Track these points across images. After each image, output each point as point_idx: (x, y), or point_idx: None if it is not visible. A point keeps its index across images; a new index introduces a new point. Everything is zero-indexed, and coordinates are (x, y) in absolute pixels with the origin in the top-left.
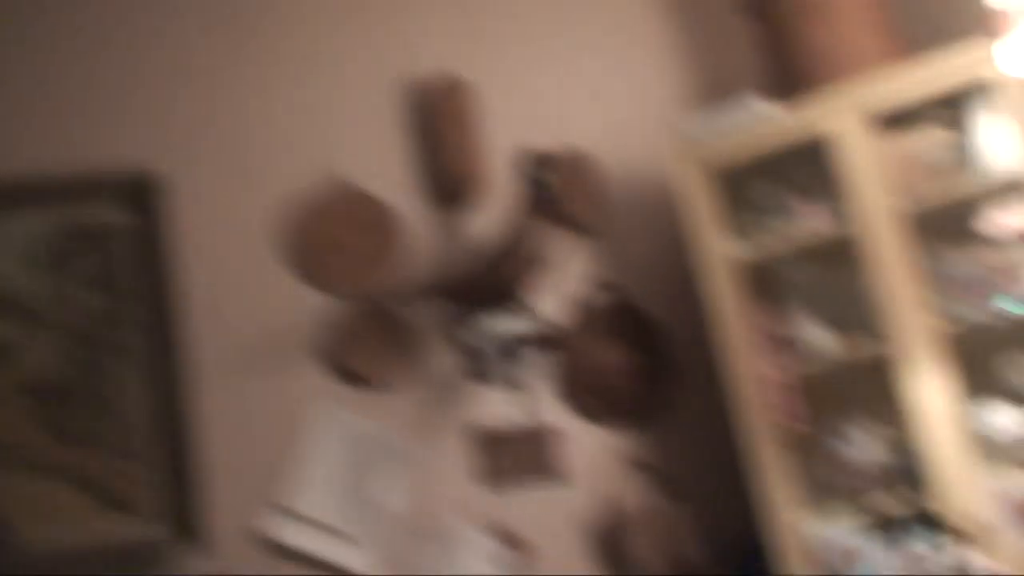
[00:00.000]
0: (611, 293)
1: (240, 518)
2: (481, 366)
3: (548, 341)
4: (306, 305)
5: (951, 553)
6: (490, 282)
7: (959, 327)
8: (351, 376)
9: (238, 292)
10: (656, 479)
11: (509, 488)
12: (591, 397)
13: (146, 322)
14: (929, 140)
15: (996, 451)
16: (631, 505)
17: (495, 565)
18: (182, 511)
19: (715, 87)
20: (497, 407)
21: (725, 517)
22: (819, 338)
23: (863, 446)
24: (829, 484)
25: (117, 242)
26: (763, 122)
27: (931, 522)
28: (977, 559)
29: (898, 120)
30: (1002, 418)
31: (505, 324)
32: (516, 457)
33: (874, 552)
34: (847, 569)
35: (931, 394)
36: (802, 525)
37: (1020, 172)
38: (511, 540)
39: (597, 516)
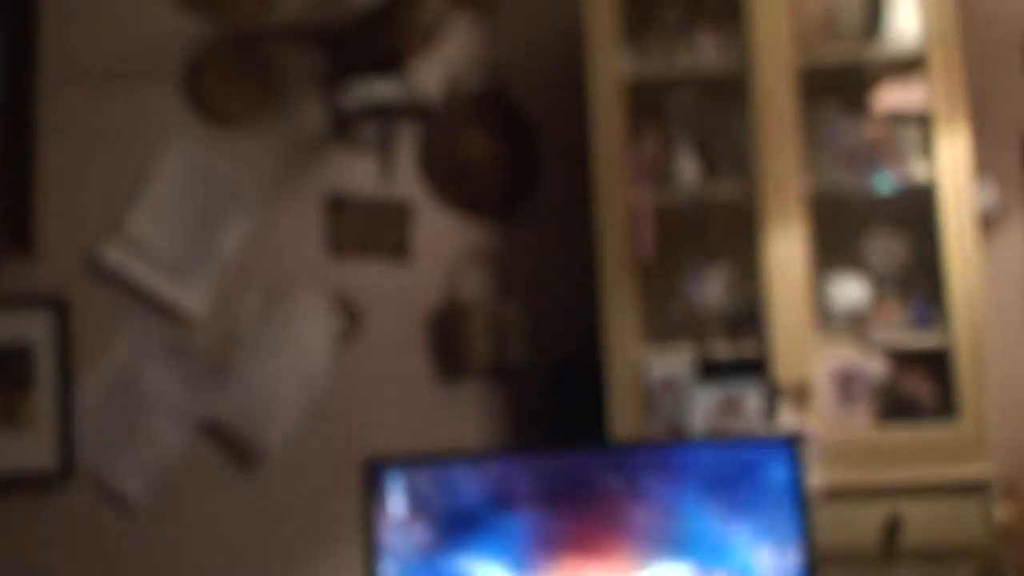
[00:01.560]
0: (490, 77)
1: (77, 239)
2: (346, 128)
3: (418, 113)
4: (175, 29)
5: (767, 403)
6: (371, 39)
7: (828, 192)
8: (210, 112)
9: (108, 5)
10: (500, 273)
11: (353, 258)
12: (450, 180)
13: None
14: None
15: (834, 321)
16: (470, 294)
17: (326, 330)
18: (17, 222)
19: None
20: (354, 174)
21: (562, 326)
22: (689, 173)
23: (711, 289)
24: (671, 319)
25: None
26: None
27: (758, 372)
28: (789, 415)
29: None
30: (847, 291)
31: (378, 88)
32: (366, 228)
33: (693, 387)
34: (663, 398)
35: (786, 251)
36: (635, 352)
37: (923, 49)
38: (346, 309)
39: (435, 299)
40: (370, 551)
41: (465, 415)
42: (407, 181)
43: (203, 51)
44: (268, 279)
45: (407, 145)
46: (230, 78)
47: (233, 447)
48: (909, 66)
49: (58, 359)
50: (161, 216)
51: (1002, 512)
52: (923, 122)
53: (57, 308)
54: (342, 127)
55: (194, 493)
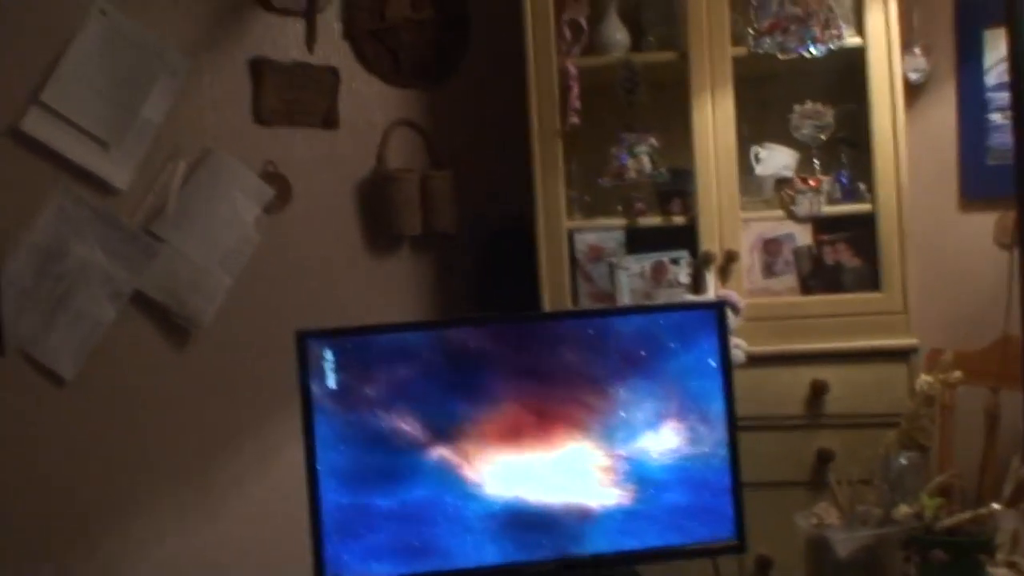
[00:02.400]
0: None
1: None
2: None
3: None
4: None
5: (693, 272)
6: None
7: (759, 60)
8: None
9: None
10: (429, 142)
11: (279, 126)
12: (377, 46)
13: None
14: None
15: (759, 189)
16: (399, 162)
17: (252, 199)
18: None
19: None
20: (280, 41)
21: (492, 195)
22: (619, 36)
23: (640, 158)
24: (600, 189)
25: None
26: None
27: (684, 240)
28: (713, 282)
29: None
30: (775, 161)
31: None
32: (292, 96)
33: (623, 256)
34: (592, 266)
35: (716, 120)
36: (564, 220)
37: None
38: (274, 179)
39: (364, 168)
40: (306, 421)
41: (396, 285)
42: (333, 48)
43: None
44: (194, 148)
45: (334, 11)
46: None
47: (164, 320)
48: None
49: None
50: (83, 84)
51: (924, 380)
52: None
53: None
54: None
55: (126, 367)
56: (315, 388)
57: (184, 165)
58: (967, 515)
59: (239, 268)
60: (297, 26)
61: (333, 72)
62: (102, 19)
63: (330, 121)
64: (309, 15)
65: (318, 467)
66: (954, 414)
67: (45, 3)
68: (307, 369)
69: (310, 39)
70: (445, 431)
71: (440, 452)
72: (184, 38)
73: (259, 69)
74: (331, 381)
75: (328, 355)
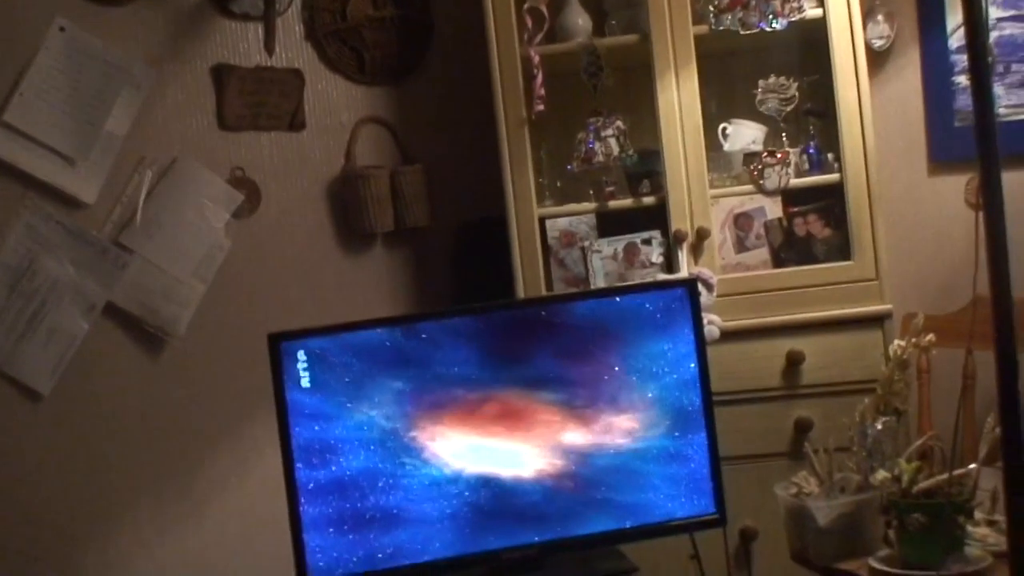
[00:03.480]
0: None
1: None
2: None
3: None
4: None
5: (665, 251)
6: None
7: (721, 37)
8: None
9: None
10: (397, 138)
11: (245, 130)
12: (341, 46)
13: None
14: None
15: (728, 165)
16: (368, 160)
17: (221, 205)
18: None
19: None
20: (243, 45)
21: (462, 187)
22: (581, 22)
23: (608, 141)
24: (570, 175)
25: None
26: None
27: (656, 221)
28: (685, 260)
29: None
30: (742, 137)
31: None
32: (256, 100)
33: (594, 239)
34: (565, 252)
35: (682, 99)
36: (536, 208)
37: None
38: (241, 182)
39: (332, 168)
40: (281, 423)
41: (370, 281)
42: (296, 50)
43: None
44: (160, 158)
45: (294, 13)
46: None
47: (138, 330)
48: None
49: None
50: (46, 102)
51: (898, 345)
52: None
53: None
54: None
55: (102, 380)
56: (290, 388)
57: (151, 175)
58: (944, 477)
59: (212, 274)
60: (258, 31)
61: (297, 74)
62: (62, 36)
63: (296, 123)
64: (268, 19)
65: (296, 466)
66: (930, 377)
67: (3, 23)
68: (280, 371)
69: (269, 43)
70: (424, 423)
71: (419, 444)
72: (145, 50)
73: (222, 75)
74: (305, 381)
75: (301, 356)
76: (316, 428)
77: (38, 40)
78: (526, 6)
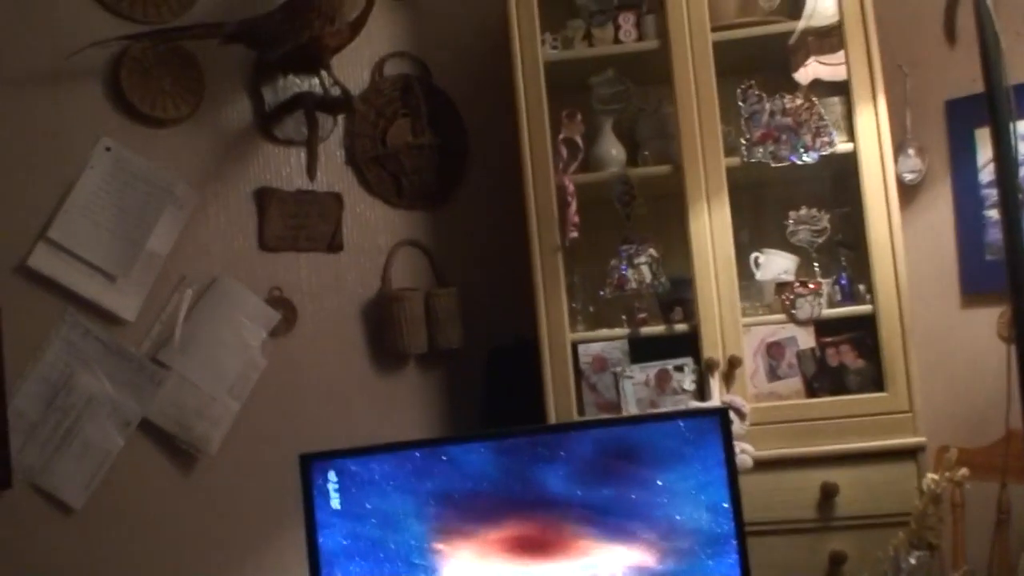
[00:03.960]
0: (414, 67)
1: (4, 246)
2: (273, 123)
3: (336, 107)
4: (95, 30)
5: (697, 378)
6: (289, 33)
7: (752, 168)
8: (135, 112)
9: (26, 7)
10: (432, 261)
11: (284, 252)
12: (380, 171)
13: None
14: None
15: (759, 294)
16: (403, 282)
17: (259, 324)
18: None
19: None
20: (283, 169)
21: (495, 311)
22: (614, 152)
23: (640, 268)
24: (602, 301)
25: None
26: None
27: (688, 349)
28: (718, 388)
29: None
30: (774, 266)
31: (301, 83)
32: (296, 222)
33: (627, 364)
34: (597, 377)
35: (713, 228)
36: (568, 332)
37: (840, 22)
38: (280, 302)
39: (368, 289)
40: (310, 541)
41: (402, 402)
42: (337, 174)
43: (124, 51)
44: (201, 276)
45: (336, 139)
46: (153, 77)
47: (171, 447)
48: (829, 38)
49: None
50: (89, 220)
51: (931, 479)
52: (844, 96)
53: None
54: (268, 123)
55: (134, 495)
56: (320, 508)
57: (191, 293)
58: None
59: (246, 393)
60: (300, 155)
61: (337, 198)
62: (107, 155)
63: (335, 245)
64: (311, 145)
65: None
66: (964, 511)
67: (51, 142)
68: (311, 491)
69: (311, 168)
70: (452, 545)
71: (448, 566)
72: (189, 171)
73: (264, 198)
74: (335, 502)
75: (332, 476)
76: (344, 545)
77: (84, 159)
78: (561, 136)
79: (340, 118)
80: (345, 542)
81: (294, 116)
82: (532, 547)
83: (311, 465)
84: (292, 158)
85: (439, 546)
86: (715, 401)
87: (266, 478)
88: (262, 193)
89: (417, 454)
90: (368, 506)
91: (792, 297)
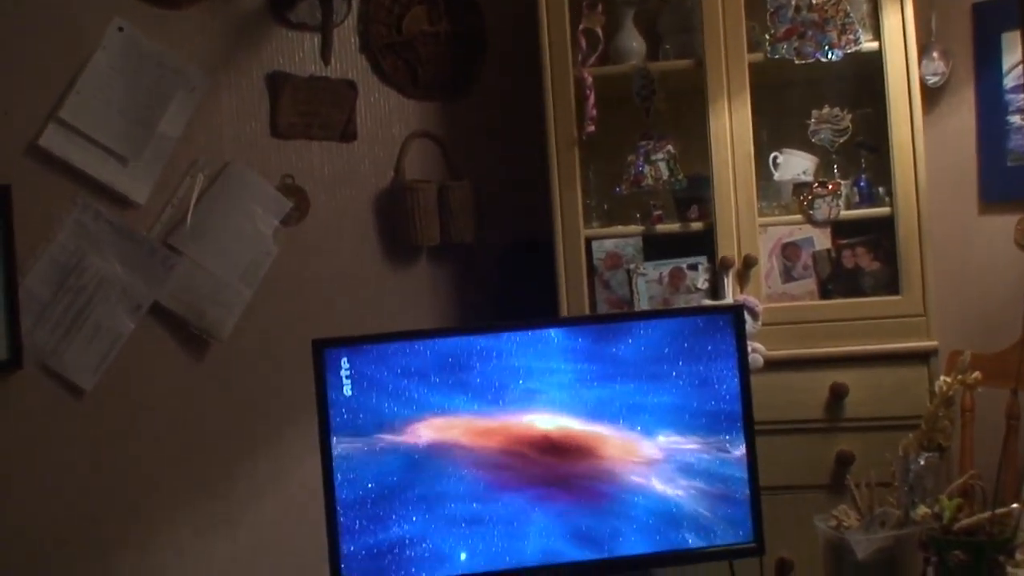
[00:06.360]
0: None
1: (15, 126)
2: (287, 6)
3: None
4: None
5: (711, 277)
6: None
7: (775, 65)
8: None
9: None
10: (447, 153)
11: (297, 138)
12: (395, 59)
13: None
14: None
15: (777, 195)
16: (417, 173)
17: (270, 211)
18: None
19: None
20: (296, 55)
21: (510, 204)
22: (635, 45)
23: (658, 165)
24: (618, 197)
25: None
26: None
27: (703, 247)
28: (731, 287)
29: None
30: (793, 166)
31: None
32: (309, 109)
33: (640, 262)
34: (610, 274)
35: (734, 126)
36: (582, 229)
37: None
38: (291, 190)
39: (381, 179)
40: (323, 430)
41: (413, 294)
42: (351, 61)
43: None
44: (212, 162)
45: (351, 25)
46: None
47: (183, 332)
48: None
49: (1, 248)
50: (101, 100)
51: (943, 381)
52: None
53: None
54: (282, 7)
55: (145, 379)
56: (332, 397)
57: (203, 178)
58: (986, 515)
59: (258, 279)
60: (314, 41)
61: (351, 85)
62: (120, 36)
63: (348, 134)
64: (325, 29)
65: (335, 477)
66: (974, 415)
67: (63, 21)
68: (324, 378)
69: (326, 53)
70: (465, 438)
71: (460, 460)
72: (201, 54)
73: (276, 83)
74: (348, 389)
75: (345, 363)
76: (358, 438)
77: (96, 39)
78: (581, 27)
79: (355, 3)
80: (359, 431)
81: (308, 0)
82: (541, 440)
83: (323, 351)
84: (305, 43)
85: (453, 437)
86: (728, 300)
87: (277, 366)
88: (275, 78)
89: (432, 343)
90: (381, 395)
91: (810, 198)
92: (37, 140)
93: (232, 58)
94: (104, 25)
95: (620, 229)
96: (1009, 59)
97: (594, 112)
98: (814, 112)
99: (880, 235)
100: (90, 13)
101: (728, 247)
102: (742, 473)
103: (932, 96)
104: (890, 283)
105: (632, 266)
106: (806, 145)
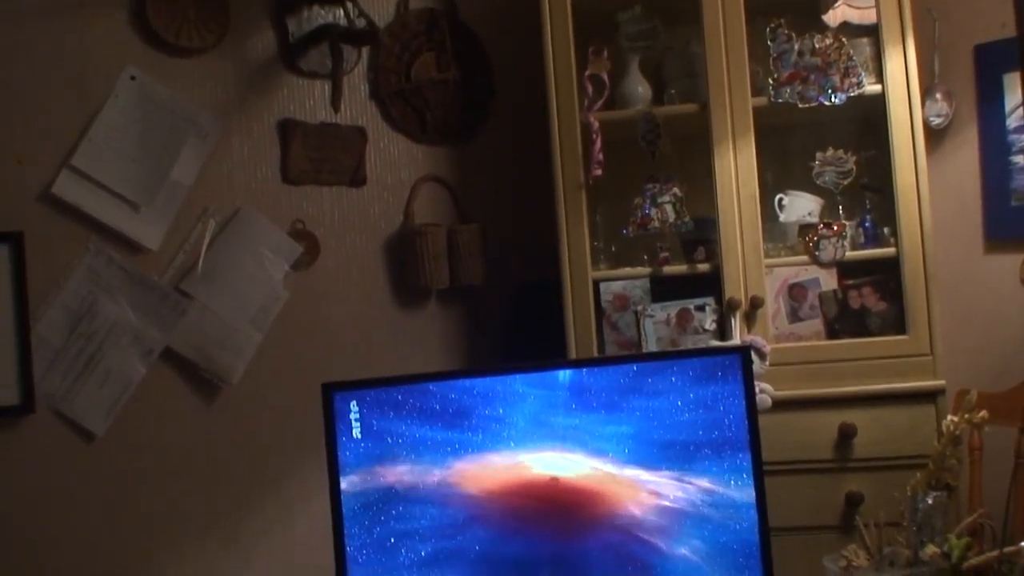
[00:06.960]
0: (440, 1)
1: (29, 173)
2: (298, 55)
3: (361, 39)
4: None
5: (718, 318)
6: None
7: (779, 109)
8: (160, 41)
9: None
10: (455, 196)
11: (308, 184)
12: (404, 106)
13: None
14: None
15: (783, 236)
16: (426, 217)
17: (281, 256)
18: None
19: None
20: (309, 101)
21: (517, 247)
22: (640, 90)
23: (664, 207)
24: (625, 239)
25: None
26: None
27: (709, 288)
28: (738, 328)
29: None
30: (798, 207)
31: (326, 14)
32: (320, 155)
33: (648, 303)
34: (618, 315)
35: (739, 168)
36: (590, 271)
37: None
38: (301, 235)
39: (391, 223)
40: (331, 472)
41: (423, 337)
42: (361, 108)
43: None
44: (223, 207)
45: (360, 72)
46: (178, 6)
47: (194, 376)
48: None
49: (14, 294)
50: (113, 148)
51: (950, 421)
52: (873, 38)
53: (11, 242)
54: (293, 55)
55: (156, 423)
56: (341, 440)
57: (214, 224)
58: (995, 554)
59: (268, 324)
60: (324, 88)
61: (360, 131)
62: (132, 84)
63: (358, 179)
64: (335, 77)
65: (344, 518)
66: (982, 454)
67: (76, 70)
68: (333, 421)
69: (336, 100)
70: (471, 479)
71: (465, 499)
72: (213, 102)
73: (287, 130)
74: (357, 432)
75: (354, 406)
76: (366, 479)
77: (109, 87)
78: (587, 73)
79: (365, 51)
80: (367, 473)
81: (319, 48)
82: (545, 480)
83: (334, 395)
84: (316, 90)
85: (457, 478)
86: (736, 341)
87: (286, 409)
88: (286, 125)
89: (439, 386)
90: (389, 438)
91: (815, 239)
92: (50, 187)
93: (244, 105)
94: (117, 73)
95: (627, 271)
96: (1012, 99)
97: (601, 156)
98: (818, 154)
99: (886, 275)
100: (103, 62)
101: (735, 288)
102: (751, 514)
103: (936, 137)
104: (896, 323)
105: (640, 307)
106: (811, 187)
